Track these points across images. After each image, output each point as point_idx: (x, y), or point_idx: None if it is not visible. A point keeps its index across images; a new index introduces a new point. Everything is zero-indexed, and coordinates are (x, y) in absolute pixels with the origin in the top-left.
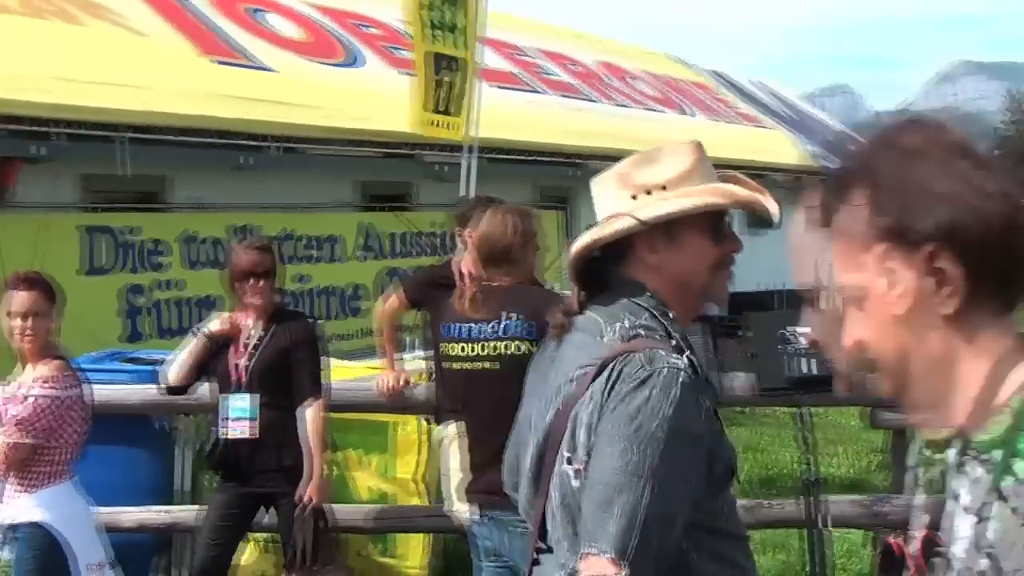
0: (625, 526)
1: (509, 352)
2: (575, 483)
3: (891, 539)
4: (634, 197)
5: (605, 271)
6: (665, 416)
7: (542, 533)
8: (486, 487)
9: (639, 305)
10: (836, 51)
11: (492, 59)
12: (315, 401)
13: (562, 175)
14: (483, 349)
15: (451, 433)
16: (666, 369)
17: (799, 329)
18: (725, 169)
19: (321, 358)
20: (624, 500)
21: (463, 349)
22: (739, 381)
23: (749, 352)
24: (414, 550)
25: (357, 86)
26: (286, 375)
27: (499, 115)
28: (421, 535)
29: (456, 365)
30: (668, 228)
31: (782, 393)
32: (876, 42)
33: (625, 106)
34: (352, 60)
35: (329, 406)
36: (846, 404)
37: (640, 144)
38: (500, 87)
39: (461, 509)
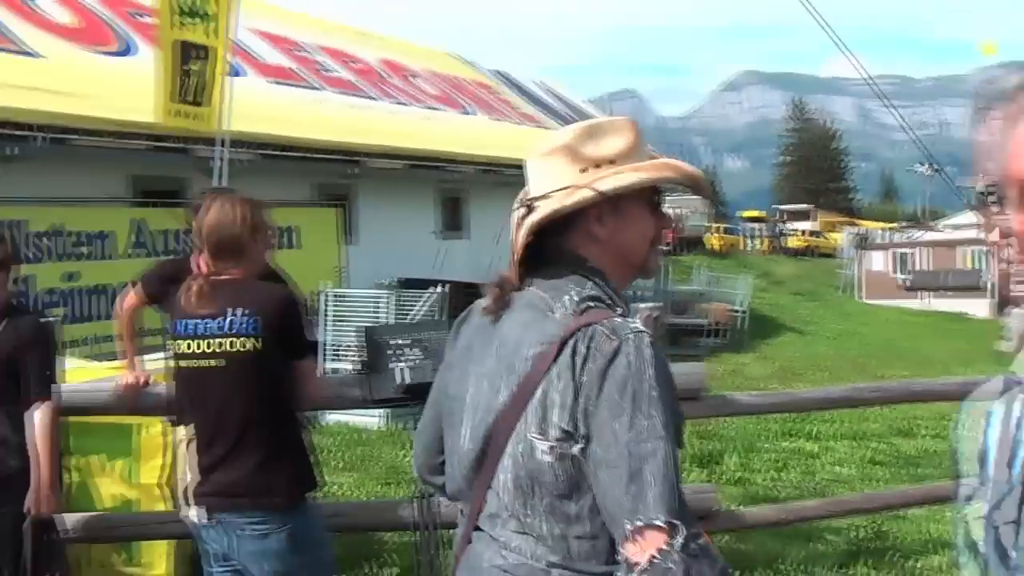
0: (665, 489)
1: (235, 349)
2: (548, 459)
3: None
4: (584, 170)
5: (543, 244)
6: (650, 376)
7: (479, 512)
8: (215, 489)
9: (583, 277)
10: (626, 57)
11: (270, 54)
12: (43, 404)
13: (341, 173)
14: (208, 346)
15: (182, 434)
16: (631, 334)
17: None
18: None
19: (55, 358)
20: (652, 466)
21: (189, 346)
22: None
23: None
24: (159, 558)
25: (129, 76)
26: (13, 376)
27: (276, 111)
28: (166, 542)
29: (184, 363)
30: (615, 201)
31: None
32: (665, 50)
33: (406, 104)
34: (125, 49)
35: (62, 409)
36: None
37: (420, 142)
38: (278, 83)
39: (190, 513)
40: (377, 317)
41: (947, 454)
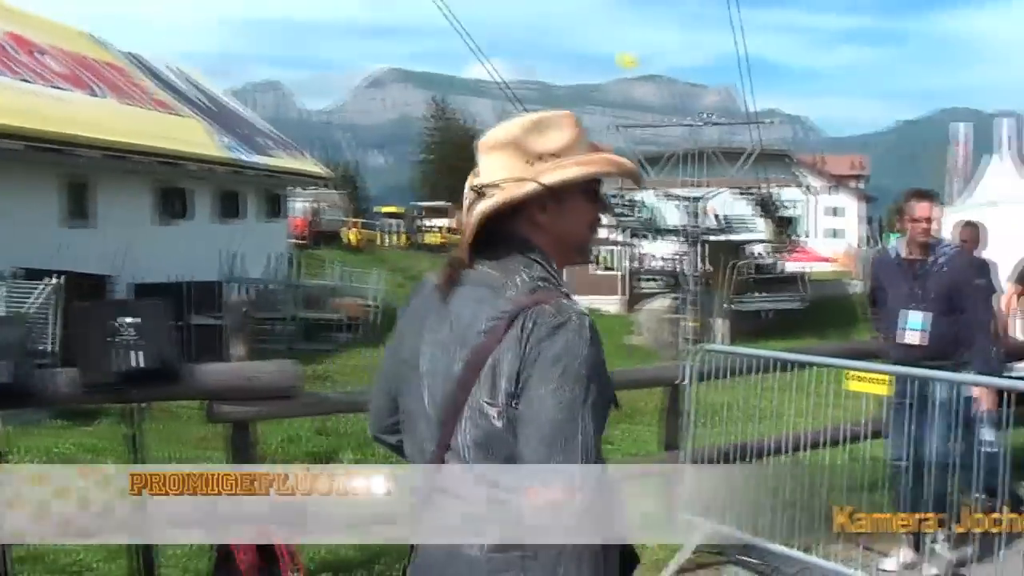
0: (571, 457)
1: None
2: (498, 424)
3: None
4: (529, 163)
5: (490, 228)
6: (584, 355)
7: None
8: None
9: (531, 259)
10: (270, 49)
11: None
12: None
13: None
14: None
15: None
16: (574, 315)
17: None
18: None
19: None
20: (566, 434)
21: None
22: (63, 376)
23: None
24: None
25: None
26: None
27: None
28: None
29: None
30: (558, 192)
31: (109, 388)
32: (309, 43)
33: (30, 82)
34: None
35: None
36: (180, 398)
37: (42, 123)
38: None
39: None
40: None
41: None
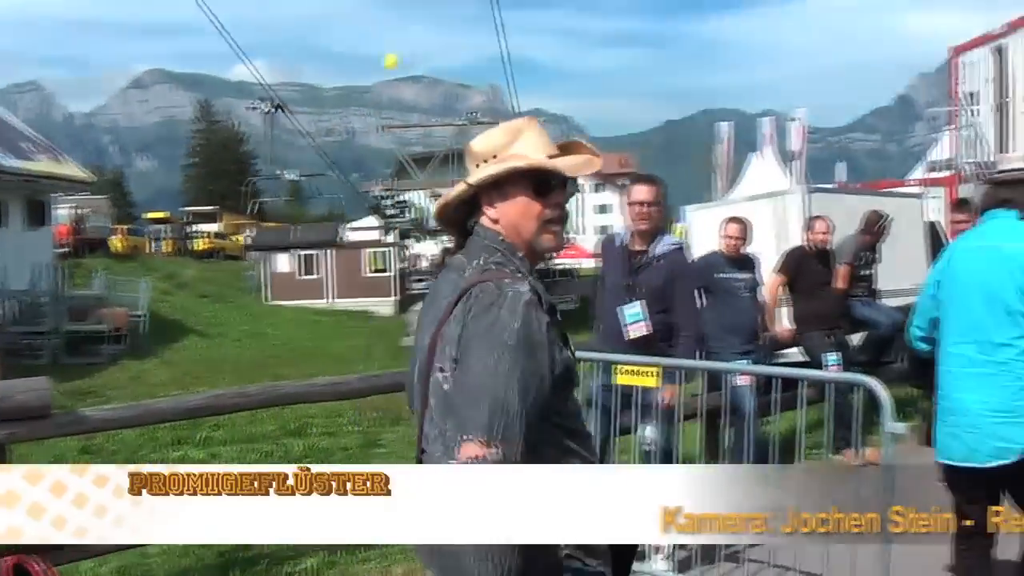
0: (490, 415)
1: None
2: (446, 387)
3: None
4: (476, 166)
5: (468, 223)
6: (512, 328)
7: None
8: None
9: (492, 247)
10: (32, 48)
11: None
12: None
13: None
14: None
15: None
16: (510, 292)
17: None
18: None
19: None
20: (488, 395)
21: None
22: None
23: None
24: None
25: None
26: None
27: None
28: None
29: None
30: (500, 187)
31: None
32: (71, 42)
33: None
34: None
35: None
36: None
37: None
38: None
39: None
40: None
41: (335, 451)
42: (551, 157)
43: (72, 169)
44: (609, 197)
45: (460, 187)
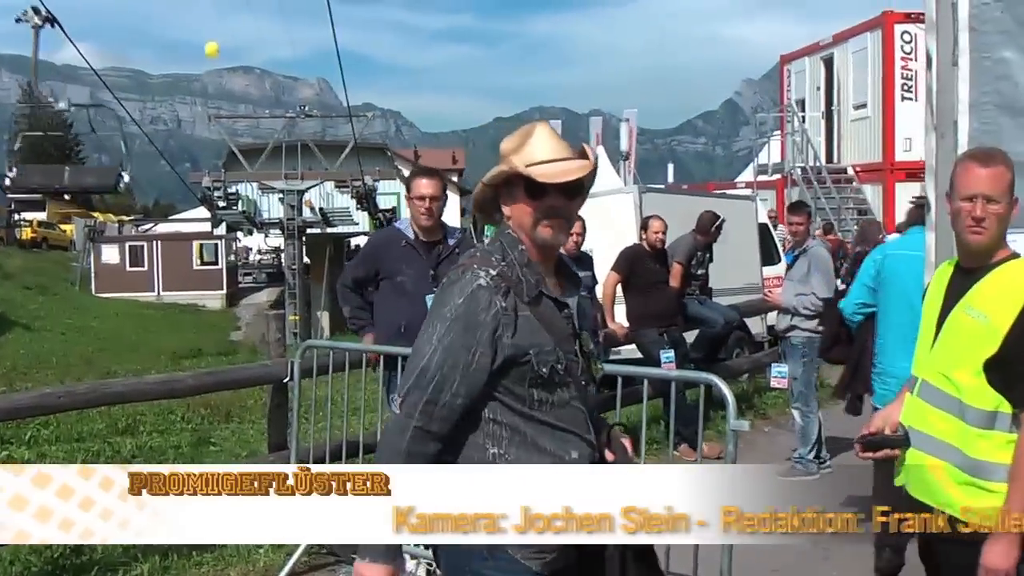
0: (408, 375)
1: None
2: None
3: None
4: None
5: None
6: (455, 304)
7: None
8: None
9: (497, 238)
10: None
11: None
12: None
13: None
14: None
15: None
16: (468, 275)
17: None
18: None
19: None
20: (416, 358)
21: None
22: None
23: None
24: None
25: None
26: None
27: None
28: None
29: None
30: (507, 186)
31: None
32: None
33: None
34: None
35: None
36: None
37: None
38: None
39: None
40: None
41: (166, 449)
42: (550, 162)
43: None
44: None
45: (478, 186)
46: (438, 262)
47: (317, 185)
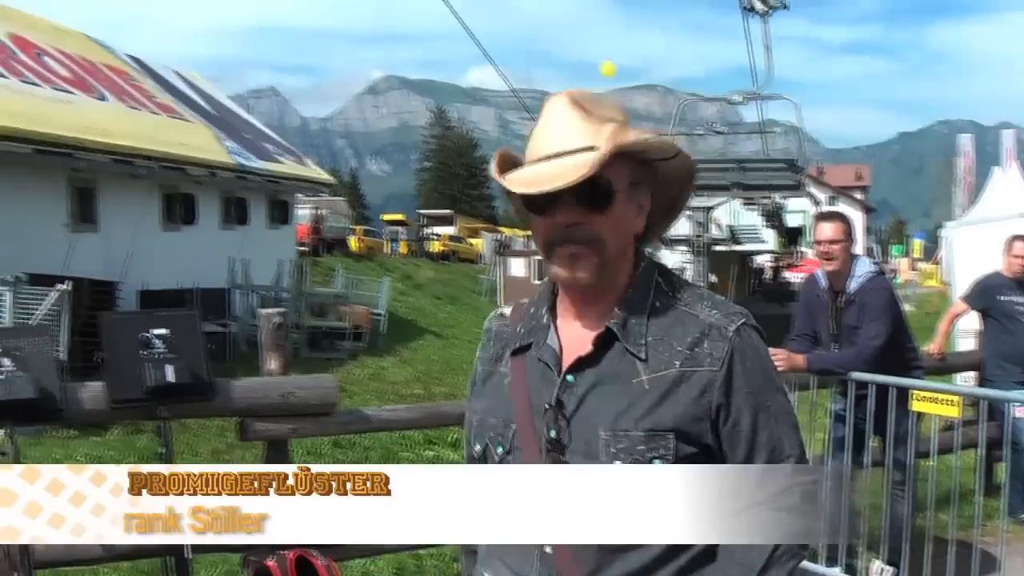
0: None
1: None
2: None
3: (268, 562)
4: None
5: None
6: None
7: None
8: None
9: None
10: (269, 56)
11: None
12: None
13: None
14: None
15: None
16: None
17: (159, 332)
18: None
19: None
20: None
21: None
22: (87, 391)
23: (99, 357)
24: None
25: None
26: None
27: None
28: None
29: None
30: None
31: (139, 404)
32: (308, 51)
33: (37, 85)
34: None
35: None
36: (213, 415)
37: (50, 126)
38: None
39: None
40: None
41: None
42: (538, 161)
43: (314, 171)
44: (845, 211)
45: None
46: (837, 313)
47: (726, 202)
